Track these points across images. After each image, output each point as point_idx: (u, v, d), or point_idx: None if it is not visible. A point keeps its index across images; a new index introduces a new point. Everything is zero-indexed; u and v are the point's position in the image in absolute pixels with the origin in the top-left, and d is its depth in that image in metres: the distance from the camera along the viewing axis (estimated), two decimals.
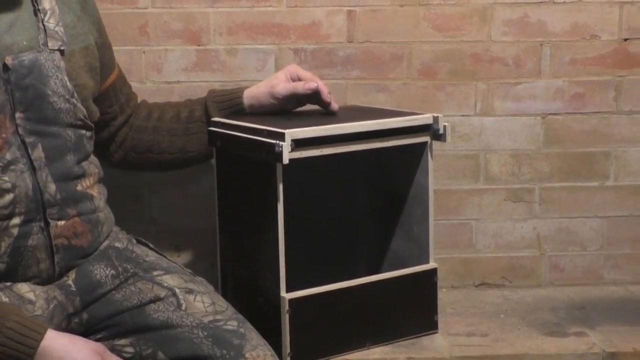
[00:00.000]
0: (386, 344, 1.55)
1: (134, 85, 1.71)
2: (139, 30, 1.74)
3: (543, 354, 1.53)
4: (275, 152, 1.40)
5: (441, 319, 1.62)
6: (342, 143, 1.48)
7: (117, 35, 1.70)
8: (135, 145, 1.59)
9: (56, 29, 1.38)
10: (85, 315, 1.37)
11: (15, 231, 1.30)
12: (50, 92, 1.34)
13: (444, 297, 1.77)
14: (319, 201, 1.72)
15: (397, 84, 1.79)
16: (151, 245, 1.51)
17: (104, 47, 1.51)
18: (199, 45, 1.75)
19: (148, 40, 1.74)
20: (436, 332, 1.60)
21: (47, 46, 1.35)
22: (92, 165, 1.44)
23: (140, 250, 1.47)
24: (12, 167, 1.30)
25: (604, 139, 1.82)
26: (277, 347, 1.41)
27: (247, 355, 1.28)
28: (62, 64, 1.36)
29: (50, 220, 1.33)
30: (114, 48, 1.61)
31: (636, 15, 1.79)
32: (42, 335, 1.22)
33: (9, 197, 1.30)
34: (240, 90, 1.60)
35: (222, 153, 1.56)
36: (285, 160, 1.40)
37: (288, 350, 1.45)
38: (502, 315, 1.71)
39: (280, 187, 1.42)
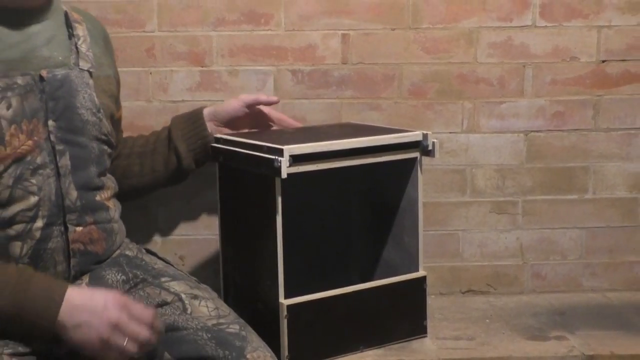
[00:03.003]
0: (378, 347, 1.57)
1: (142, 104, 1.75)
2: (146, 52, 1.76)
3: (526, 357, 1.56)
4: (275, 166, 1.43)
5: (430, 324, 1.64)
6: (337, 158, 1.50)
7: (126, 57, 1.74)
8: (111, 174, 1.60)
9: (87, 52, 1.44)
10: None
11: (37, 234, 1.34)
12: (78, 105, 1.39)
13: (433, 303, 1.78)
14: (315, 213, 1.74)
15: (389, 103, 1.81)
16: (159, 255, 1.54)
17: (118, 84, 1.56)
18: (202, 67, 1.77)
19: (155, 62, 1.76)
20: (425, 336, 1.63)
21: (78, 65, 1.42)
22: (110, 180, 1.48)
23: (149, 258, 1.51)
24: (40, 171, 1.34)
25: (583, 155, 1.85)
26: (276, 350, 1.42)
27: (248, 356, 1.32)
28: (91, 82, 1.42)
29: (69, 225, 1.36)
30: (123, 69, 1.65)
31: (613, 38, 1.82)
32: (64, 289, 1.25)
33: (34, 200, 1.33)
34: (201, 119, 1.62)
35: (224, 168, 1.58)
36: (284, 175, 1.43)
37: (286, 353, 1.47)
38: (487, 320, 1.73)
39: (279, 199, 1.45)
